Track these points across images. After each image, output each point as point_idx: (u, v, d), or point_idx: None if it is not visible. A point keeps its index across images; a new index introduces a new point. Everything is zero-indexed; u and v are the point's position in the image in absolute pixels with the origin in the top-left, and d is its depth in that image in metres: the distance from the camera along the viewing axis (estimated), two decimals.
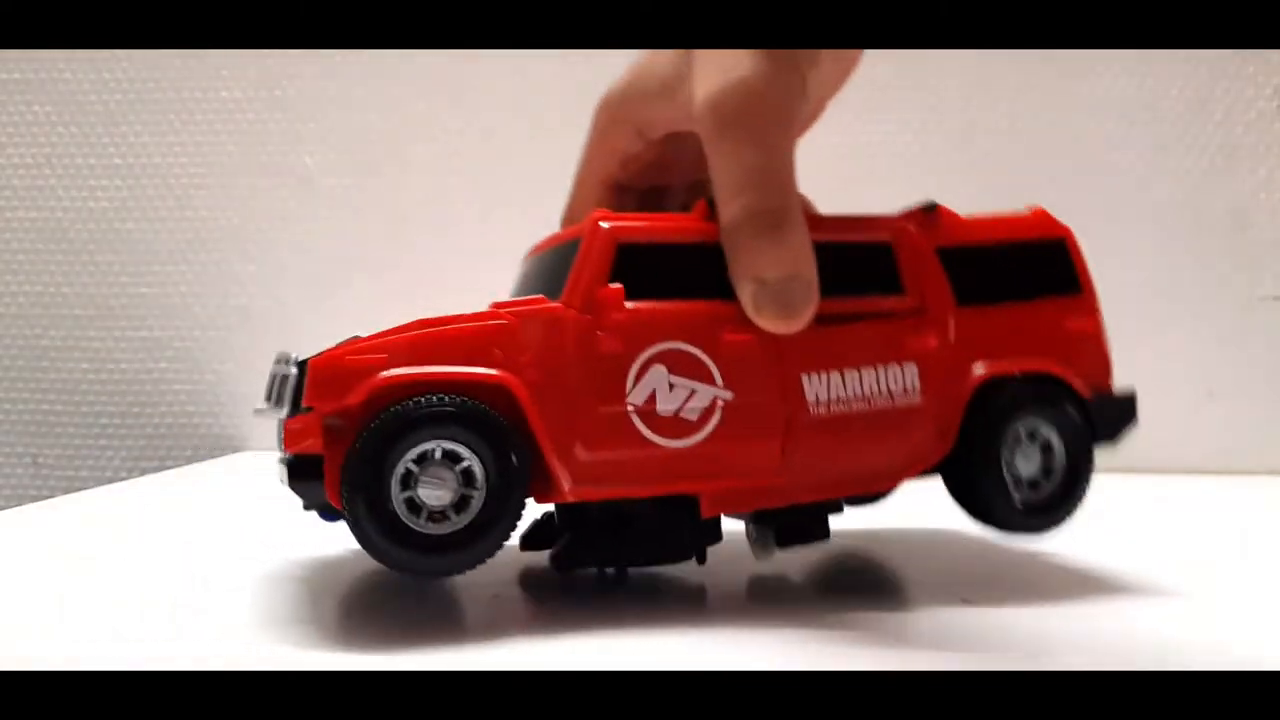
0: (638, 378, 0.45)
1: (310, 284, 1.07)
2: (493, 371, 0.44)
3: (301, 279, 1.07)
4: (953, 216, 0.53)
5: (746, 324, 0.47)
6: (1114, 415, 0.53)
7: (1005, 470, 0.50)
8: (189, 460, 1.06)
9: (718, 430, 0.46)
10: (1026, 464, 0.51)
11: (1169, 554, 0.59)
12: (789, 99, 0.47)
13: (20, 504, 0.83)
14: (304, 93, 1.06)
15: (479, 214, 1.04)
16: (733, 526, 0.53)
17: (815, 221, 0.49)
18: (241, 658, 0.41)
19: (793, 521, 0.50)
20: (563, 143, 1.04)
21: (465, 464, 0.43)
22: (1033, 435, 0.51)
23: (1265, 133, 0.93)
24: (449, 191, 1.05)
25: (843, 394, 0.48)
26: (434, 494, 0.42)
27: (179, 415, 1.08)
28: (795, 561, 0.56)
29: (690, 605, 0.50)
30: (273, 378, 0.49)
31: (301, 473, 0.44)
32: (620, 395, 0.45)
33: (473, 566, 0.43)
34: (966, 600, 0.49)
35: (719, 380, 0.46)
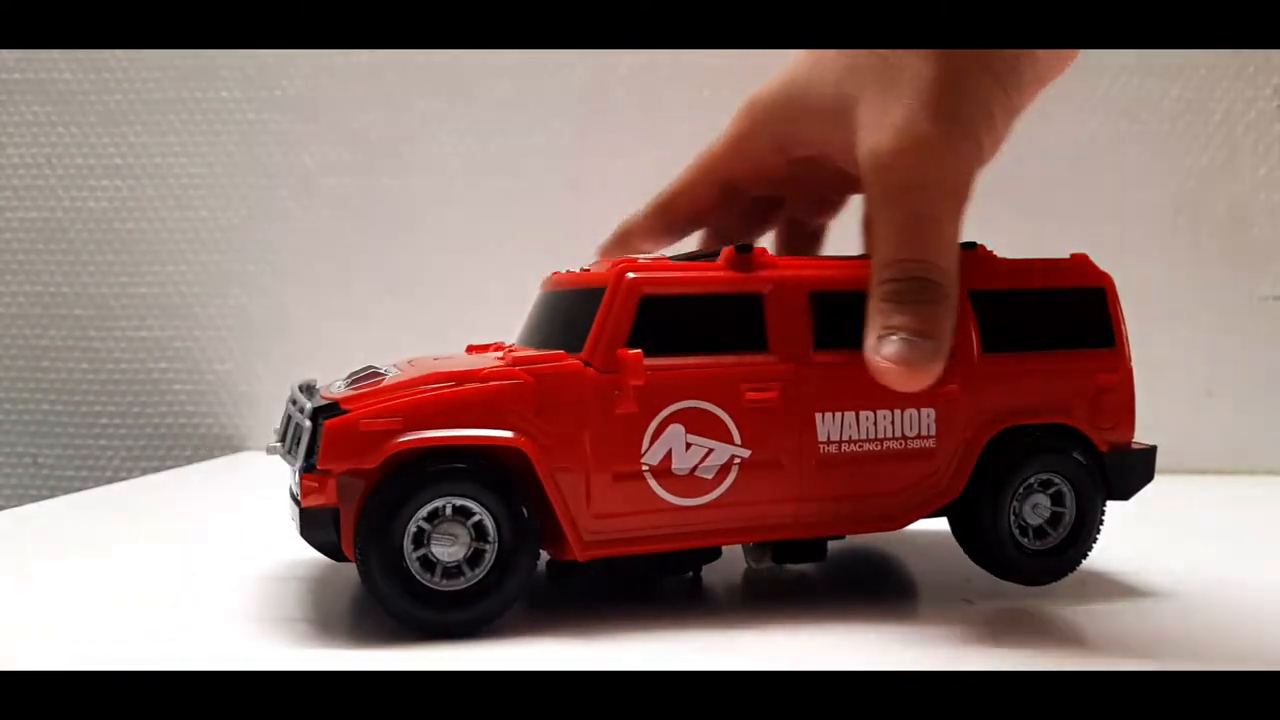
0: (654, 437, 0.45)
1: (310, 284, 1.07)
2: (507, 434, 0.44)
3: (301, 279, 1.07)
4: (990, 258, 0.51)
5: (769, 380, 0.47)
6: (1130, 472, 0.52)
7: (1011, 518, 0.50)
8: (189, 460, 1.06)
9: (733, 487, 0.46)
10: (1035, 513, 0.51)
11: (1168, 554, 0.59)
12: (966, 169, 0.46)
13: (20, 504, 0.83)
14: (304, 93, 1.06)
15: (479, 214, 1.04)
16: None
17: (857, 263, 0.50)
18: (241, 658, 0.41)
19: (790, 540, 0.50)
20: (563, 142, 1.04)
21: (477, 518, 0.44)
22: (1045, 485, 0.51)
23: (1265, 133, 0.93)
24: (449, 192, 1.05)
25: (855, 434, 0.48)
26: (447, 550, 0.43)
27: (179, 415, 1.08)
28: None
29: (690, 604, 0.50)
30: (287, 418, 0.49)
31: (315, 523, 0.44)
32: (636, 455, 0.45)
33: (485, 624, 0.44)
34: (968, 600, 0.49)
35: (737, 439, 0.46)
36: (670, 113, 1.00)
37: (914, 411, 0.49)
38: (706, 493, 0.46)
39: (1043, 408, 0.51)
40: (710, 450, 0.46)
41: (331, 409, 0.44)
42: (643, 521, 0.46)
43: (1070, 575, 0.51)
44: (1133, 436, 0.53)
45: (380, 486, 0.43)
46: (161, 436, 1.08)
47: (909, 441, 0.49)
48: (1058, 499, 0.51)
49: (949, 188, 0.45)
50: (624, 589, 0.51)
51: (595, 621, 0.45)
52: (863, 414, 0.48)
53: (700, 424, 0.46)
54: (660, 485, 0.45)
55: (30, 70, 1.08)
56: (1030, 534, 0.51)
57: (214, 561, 0.57)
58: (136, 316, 1.09)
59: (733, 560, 0.56)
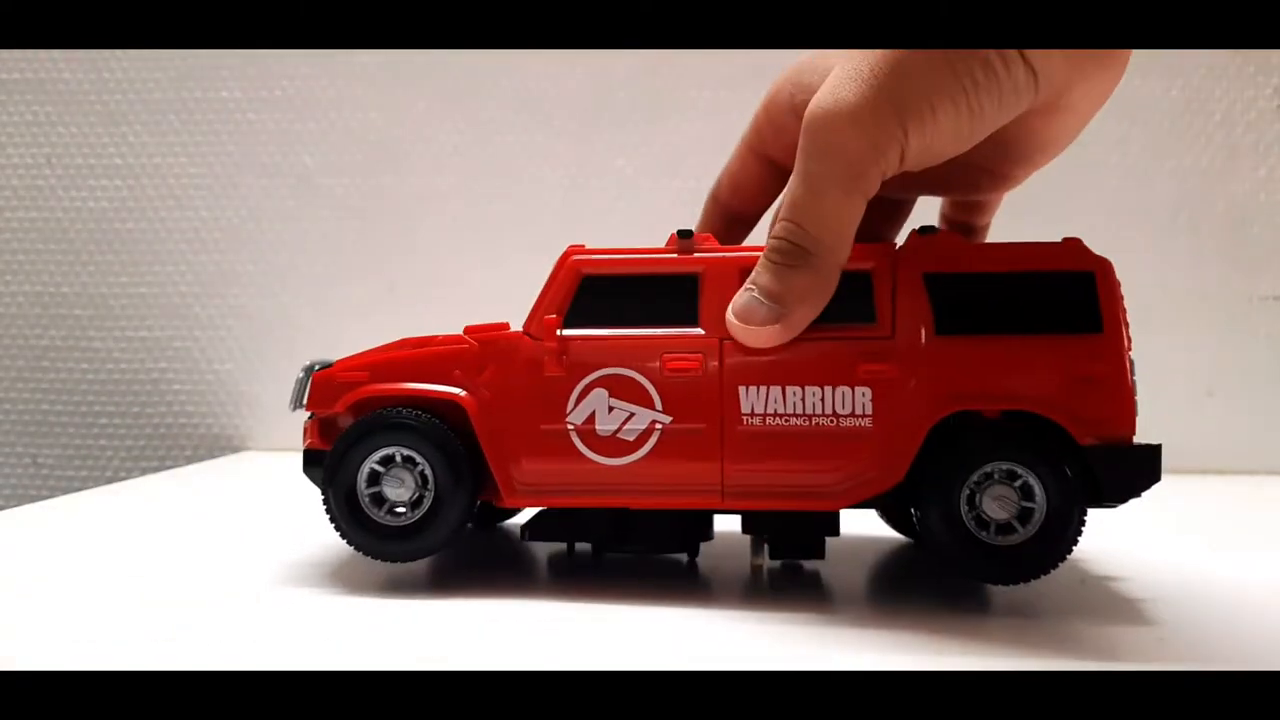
0: (579, 399, 0.50)
1: (310, 284, 1.07)
2: (450, 389, 0.51)
3: (301, 279, 1.07)
4: (953, 241, 0.51)
5: (691, 351, 0.49)
6: (1127, 469, 0.48)
7: (965, 509, 0.48)
8: (189, 460, 1.06)
9: (654, 451, 0.49)
10: (999, 507, 0.47)
11: (1168, 554, 0.59)
12: (871, 146, 0.44)
13: (20, 504, 0.83)
14: (304, 93, 1.06)
15: (478, 213, 1.04)
16: (726, 527, 0.53)
17: None
18: (241, 658, 0.41)
19: (787, 536, 0.51)
20: (563, 142, 1.04)
21: (420, 467, 0.50)
22: (1010, 476, 0.47)
23: (1265, 133, 0.93)
24: (449, 191, 1.05)
25: (780, 408, 0.49)
26: (394, 491, 0.50)
27: (179, 415, 1.08)
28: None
29: (692, 603, 0.50)
30: (298, 383, 0.56)
31: (310, 462, 0.53)
32: (561, 415, 0.50)
33: (420, 556, 0.51)
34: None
35: (658, 405, 0.49)
36: (670, 113, 1.00)
37: (846, 390, 0.48)
38: (628, 454, 0.49)
39: (1005, 394, 0.48)
40: (631, 414, 0.49)
41: (325, 365, 0.53)
42: (568, 476, 0.50)
43: (1066, 572, 0.51)
44: (1130, 432, 0.48)
45: (344, 431, 0.51)
46: (161, 436, 1.08)
47: (840, 420, 0.48)
48: (1026, 493, 0.47)
49: (845, 160, 0.45)
50: (624, 580, 0.51)
51: (596, 621, 0.45)
52: (789, 389, 0.49)
53: (623, 390, 0.50)
54: (584, 444, 0.50)
55: (30, 70, 1.08)
56: (992, 529, 0.48)
57: (214, 561, 0.57)
58: (136, 316, 1.09)
59: (734, 561, 0.56)
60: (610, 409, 0.50)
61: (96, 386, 1.09)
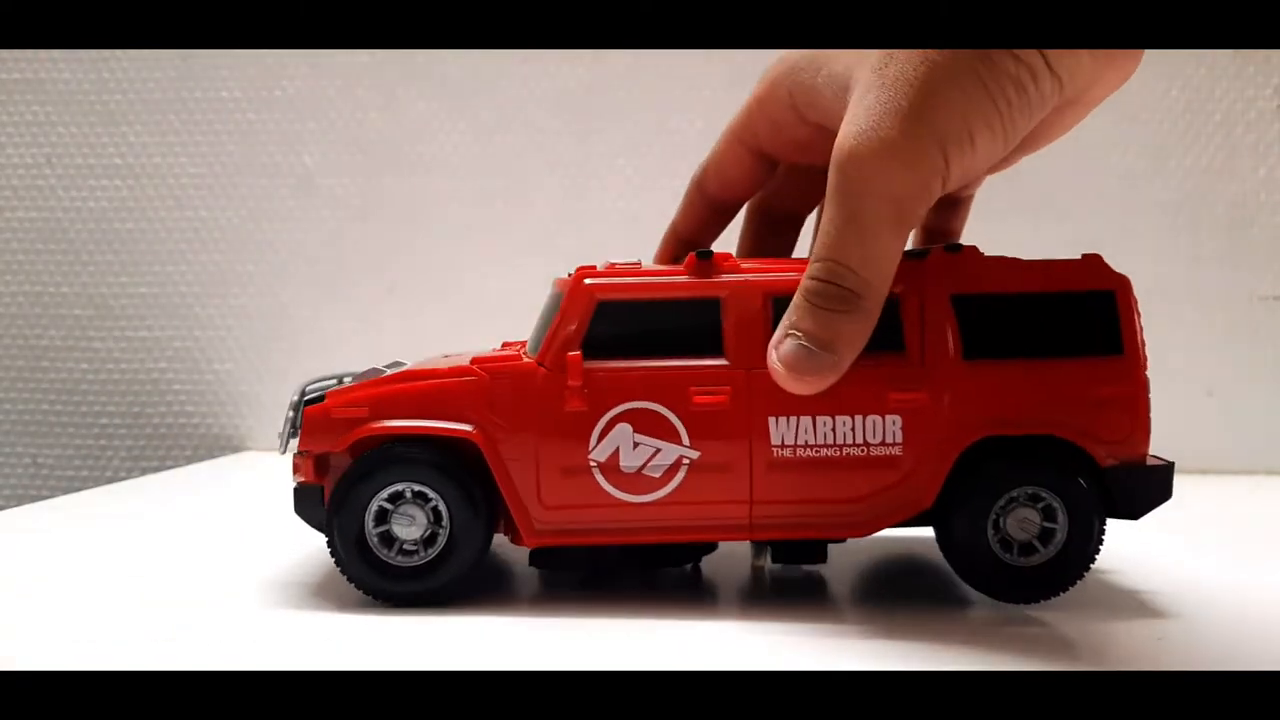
0: (602, 435, 0.47)
1: (310, 284, 1.07)
2: (460, 426, 0.48)
3: (301, 279, 1.07)
4: (980, 259, 0.49)
5: (719, 383, 0.47)
6: (1142, 490, 0.48)
7: (992, 532, 0.48)
8: (189, 460, 1.06)
9: (681, 487, 0.47)
10: (1021, 529, 0.48)
11: (1168, 554, 0.59)
12: (918, 183, 0.43)
13: (20, 504, 0.83)
14: (304, 93, 1.06)
15: (479, 213, 1.04)
16: None
17: None
18: (241, 658, 0.41)
19: (795, 543, 0.50)
20: (563, 142, 1.04)
21: (433, 503, 0.48)
22: (1034, 499, 0.48)
23: (1265, 133, 0.93)
24: (449, 191, 1.05)
25: (811, 439, 0.48)
26: (405, 530, 0.48)
27: (179, 415, 1.08)
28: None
29: (691, 603, 0.50)
30: (287, 421, 0.52)
31: (303, 499, 0.50)
32: (584, 451, 0.47)
33: (433, 598, 0.48)
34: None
35: (685, 440, 0.47)
36: (670, 113, 1.00)
37: (876, 418, 0.47)
38: (654, 490, 0.47)
39: (1029, 419, 0.47)
40: (658, 450, 0.47)
41: (317, 399, 0.49)
42: (591, 515, 0.48)
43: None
44: (1146, 450, 0.49)
45: (349, 468, 0.48)
46: (161, 436, 1.08)
47: (871, 449, 0.47)
48: (1048, 514, 0.48)
49: (892, 198, 0.43)
50: (626, 583, 0.51)
51: (596, 621, 0.45)
52: (820, 419, 0.47)
53: (648, 424, 0.47)
54: (608, 481, 0.47)
55: (30, 70, 1.08)
56: (1015, 549, 0.48)
57: (214, 561, 0.57)
58: (136, 316, 1.09)
59: (735, 560, 0.56)
60: (635, 444, 0.47)
61: (96, 386, 1.08)
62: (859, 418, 0.47)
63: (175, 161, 1.08)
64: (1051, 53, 0.42)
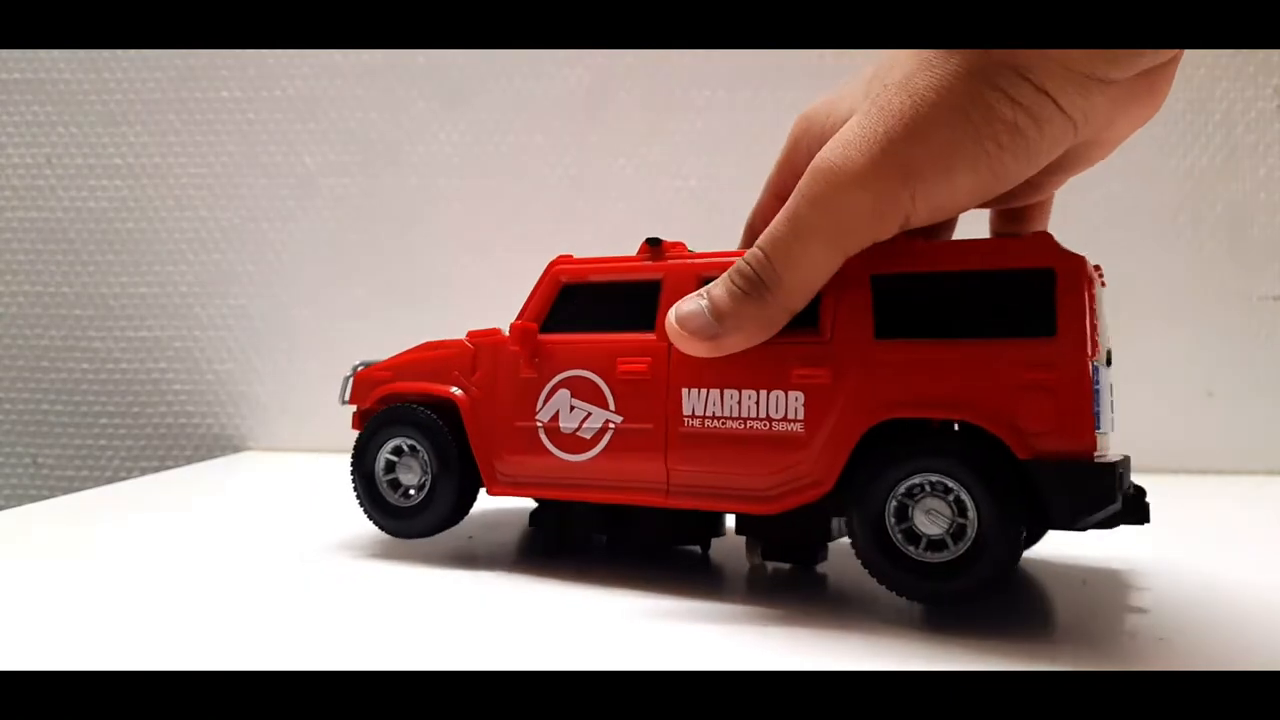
0: (546, 399, 0.53)
1: (310, 284, 1.07)
2: (448, 388, 0.56)
3: (301, 279, 1.07)
4: (909, 241, 0.46)
5: (641, 354, 0.51)
6: (1073, 489, 0.42)
7: (892, 521, 0.45)
8: (189, 460, 1.06)
9: (608, 449, 0.52)
10: (932, 522, 0.44)
11: (1168, 553, 0.59)
12: (868, 212, 0.44)
13: (20, 504, 0.83)
14: (304, 93, 1.06)
15: (478, 213, 1.04)
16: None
17: None
18: (241, 658, 0.41)
19: (782, 540, 0.52)
20: (563, 142, 1.04)
21: (421, 455, 0.57)
22: (944, 490, 0.44)
23: (1265, 133, 0.93)
24: (448, 191, 1.05)
25: (718, 411, 0.49)
26: (405, 476, 0.57)
27: (179, 415, 1.08)
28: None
29: (691, 603, 0.50)
30: (344, 380, 0.63)
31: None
32: (531, 413, 0.54)
33: (421, 533, 0.57)
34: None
35: (611, 406, 0.52)
36: (670, 113, 1.00)
37: (780, 394, 0.48)
38: (586, 450, 0.52)
39: (938, 402, 0.44)
40: (589, 414, 0.52)
41: (368, 365, 0.61)
42: (537, 469, 0.53)
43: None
44: (1083, 447, 0.42)
45: (365, 425, 0.58)
46: (161, 436, 1.09)
47: (774, 424, 0.47)
48: (960, 508, 0.44)
49: (838, 216, 0.44)
50: (625, 583, 0.51)
51: (597, 620, 0.45)
52: (727, 392, 0.49)
53: (583, 390, 0.52)
54: (550, 440, 0.53)
55: (30, 70, 1.08)
56: (923, 544, 0.44)
57: (214, 561, 0.57)
58: (136, 316, 1.09)
59: (733, 561, 0.56)
60: (572, 408, 0.52)
61: (96, 386, 1.09)
62: (763, 393, 0.48)
63: (175, 161, 1.08)
64: (1064, 96, 0.41)
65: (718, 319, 0.47)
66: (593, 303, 0.53)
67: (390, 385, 0.58)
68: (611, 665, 0.40)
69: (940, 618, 0.46)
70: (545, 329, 0.54)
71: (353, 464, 0.58)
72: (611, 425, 0.51)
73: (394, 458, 0.58)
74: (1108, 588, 0.52)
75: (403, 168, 1.05)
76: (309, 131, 1.06)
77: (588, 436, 0.52)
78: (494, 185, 1.04)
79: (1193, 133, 0.94)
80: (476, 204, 1.04)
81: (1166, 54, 0.41)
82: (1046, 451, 0.42)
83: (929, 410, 0.44)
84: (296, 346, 1.05)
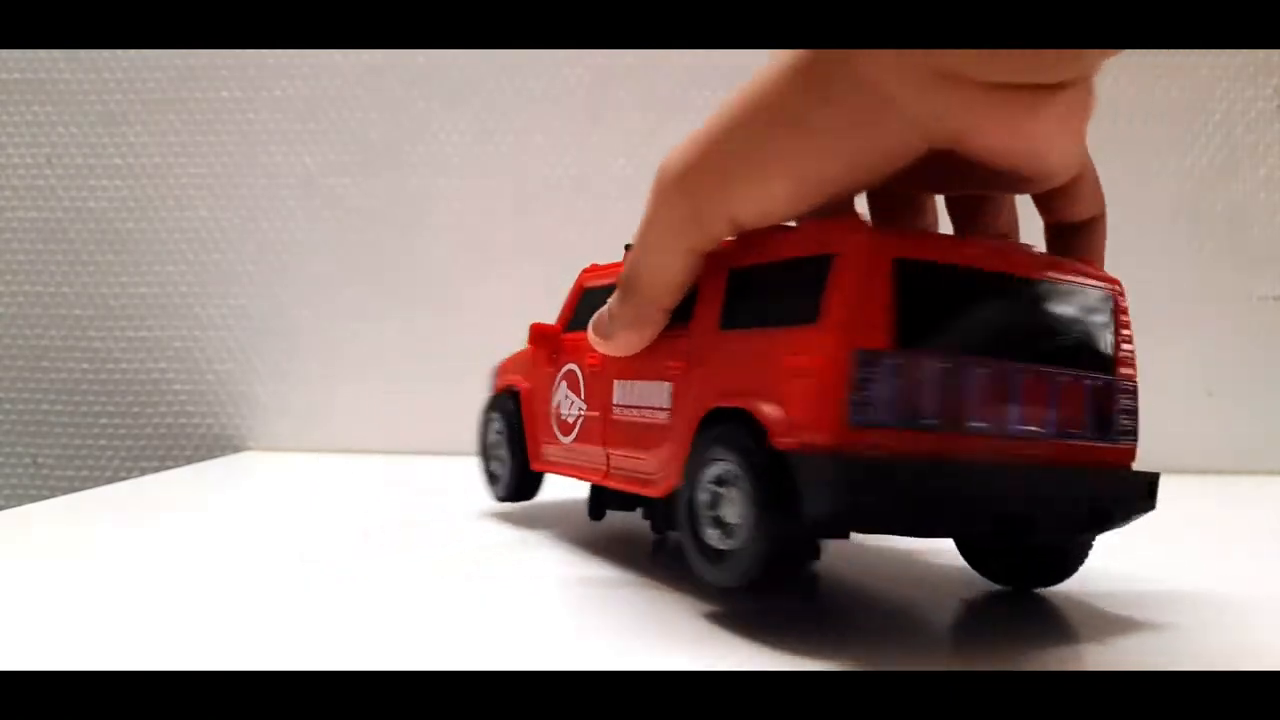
0: (555, 389, 0.61)
1: (310, 284, 1.07)
2: (516, 380, 0.66)
3: (301, 279, 1.07)
4: (761, 232, 0.44)
5: (595, 349, 0.54)
6: (818, 481, 0.38)
7: (700, 509, 0.44)
8: (189, 460, 1.06)
9: (580, 432, 0.58)
10: (730, 510, 0.42)
11: (1168, 553, 0.59)
12: (688, 215, 0.44)
13: (20, 504, 0.83)
14: (304, 93, 1.06)
15: (479, 213, 1.04)
16: None
17: None
18: (241, 658, 0.41)
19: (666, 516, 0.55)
20: (564, 142, 1.05)
21: (506, 435, 0.66)
22: (736, 479, 0.42)
23: (1265, 133, 0.93)
24: (449, 191, 1.05)
25: (631, 401, 0.52)
26: (498, 451, 0.68)
27: (179, 415, 1.08)
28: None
29: (691, 602, 0.50)
30: (492, 370, 0.71)
31: None
32: (548, 401, 0.61)
33: (500, 499, 0.68)
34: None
35: (582, 394, 0.58)
36: (670, 112, 1.00)
37: (657, 385, 0.50)
38: (570, 433, 0.59)
39: (735, 390, 0.43)
40: (573, 401, 0.58)
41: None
42: (552, 450, 0.61)
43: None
44: (830, 439, 0.38)
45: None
46: (161, 436, 1.09)
47: (656, 413, 0.50)
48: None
49: (668, 220, 0.45)
50: (622, 582, 0.51)
51: (597, 620, 0.45)
52: (636, 384, 0.52)
53: (571, 381, 0.59)
54: (556, 425, 0.60)
55: (30, 70, 1.09)
56: (727, 531, 0.43)
57: (214, 561, 0.57)
58: (136, 316, 1.09)
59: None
60: (566, 397, 0.59)
61: (96, 386, 1.09)
62: (649, 383, 0.51)
63: (175, 161, 1.08)
64: (903, 94, 0.38)
65: (610, 319, 0.50)
66: (593, 304, 0.56)
67: (501, 377, 0.69)
68: (611, 666, 0.40)
69: (940, 618, 0.46)
70: (569, 329, 0.60)
71: (479, 438, 0.70)
72: (581, 412, 0.57)
73: (497, 436, 0.68)
74: (1106, 588, 0.52)
75: (403, 168, 1.05)
76: (309, 131, 1.06)
77: (571, 421, 0.58)
78: (494, 185, 1.04)
79: (1193, 133, 0.94)
80: (476, 204, 1.04)
81: (1051, 53, 0.38)
82: (805, 444, 0.39)
83: (731, 399, 0.43)
84: (296, 346, 1.05)
